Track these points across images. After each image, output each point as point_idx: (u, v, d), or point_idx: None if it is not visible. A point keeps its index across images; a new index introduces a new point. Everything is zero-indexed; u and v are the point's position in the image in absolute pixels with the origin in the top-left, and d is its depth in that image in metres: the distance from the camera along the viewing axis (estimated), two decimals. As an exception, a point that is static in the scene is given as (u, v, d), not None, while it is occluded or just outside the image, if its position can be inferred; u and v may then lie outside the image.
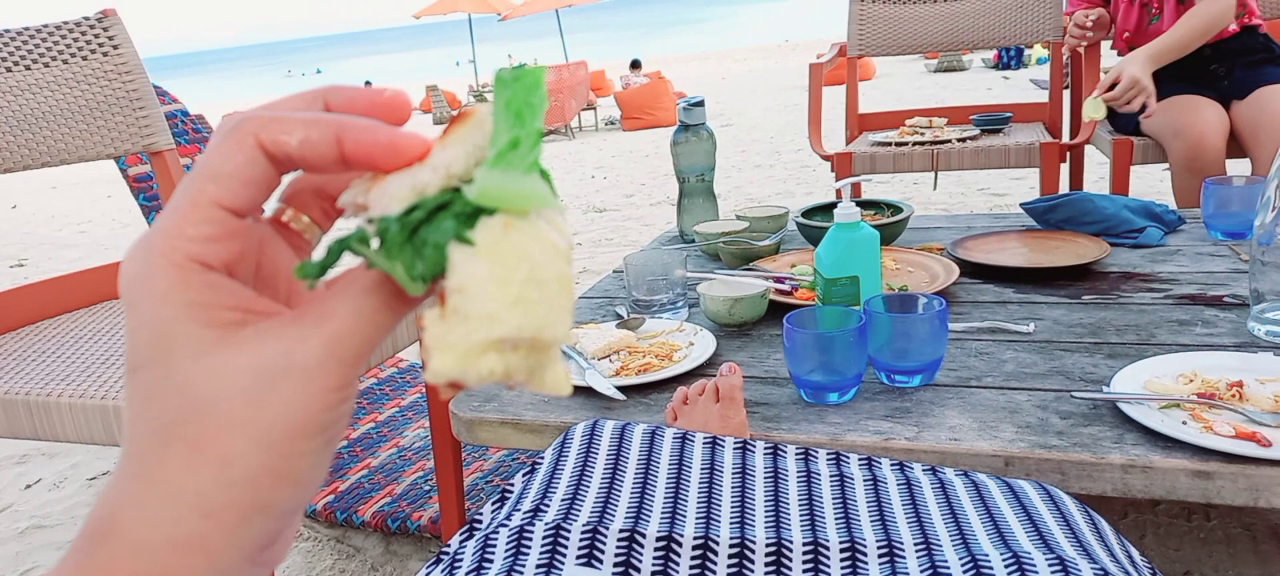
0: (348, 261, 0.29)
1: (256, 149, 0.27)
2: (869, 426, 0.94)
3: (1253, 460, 0.80)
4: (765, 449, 0.76)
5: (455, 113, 0.29)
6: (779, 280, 1.38)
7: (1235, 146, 2.08)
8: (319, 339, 0.27)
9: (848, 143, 2.70)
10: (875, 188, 4.45)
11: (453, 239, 0.27)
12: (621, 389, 1.07)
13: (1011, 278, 1.40)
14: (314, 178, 0.32)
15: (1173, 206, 1.63)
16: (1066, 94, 2.68)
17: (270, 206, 0.31)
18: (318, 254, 0.30)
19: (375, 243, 0.28)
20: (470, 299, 0.26)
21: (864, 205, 1.74)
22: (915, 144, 2.39)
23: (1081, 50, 2.45)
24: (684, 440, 0.76)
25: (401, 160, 0.28)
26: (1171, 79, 2.12)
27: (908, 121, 2.62)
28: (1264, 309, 1.08)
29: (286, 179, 0.30)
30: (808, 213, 1.73)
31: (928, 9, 2.75)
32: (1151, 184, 3.84)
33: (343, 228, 0.29)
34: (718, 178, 2.70)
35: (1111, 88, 2.02)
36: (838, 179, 2.32)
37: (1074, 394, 0.96)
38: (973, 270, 1.43)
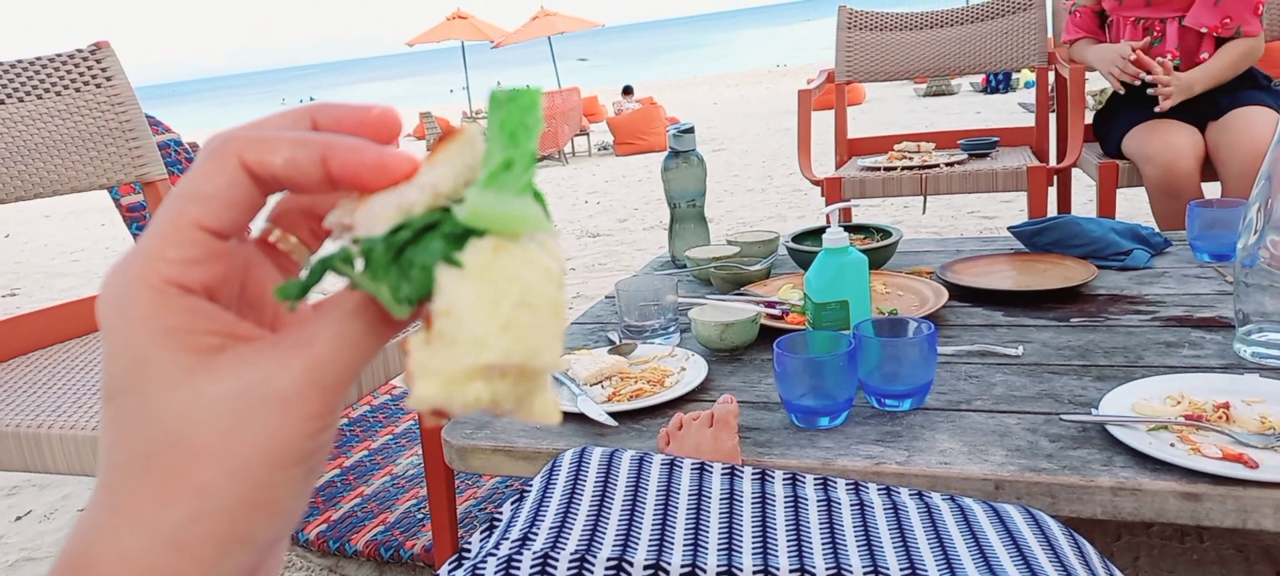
0: (335, 284, 0.28)
1: (239, 169, 0.26)
2: (860, 451, 0.95)
3: (1240, 482, 0.81)
4: (753, 475, 0.76)
5: (441, 132, 0.28)
6: (770, 305, 1.39)
7: (1214, 169, 2.10)
8: (299, 365, 0.26)
9: (837, 167, 2.72)
10: (865, 212, 4.47)
11: (440, 260, 0.25)
12: (613, 415, 1.08)
13: (1000, 301, 1.40)
14: (303, 198, 0.30)
15: (1158, 229, 1.64)
16: (1052, 117, 2.70)
17: (259, 227, 0.30)
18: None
19: (360, 263, 0.26)
20: (457, 322, 0.25)
21: (854, 229, 1.76)
22: (904, 169, 2.40)
23: (1135, 81, 2.17)
24: (671, 466, 0.76)
25: (389, 179, 0.26)
26: (1150, 103, 2.14)
27: (896, 146, 2.64)
28: (1249, 330, 1.09)
29: (275, 199, 0.29)
30: (798, 237, 1.74)
31: (914, 36, 2.78)
32: (1139, 206, 3.86)
33: (331, 249, 0.29)
34: (711, 202, 2.71)
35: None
36: (828, 204, 2.33)
37: (1063, 416, 0.96)
38: (962, 293, 1.44)
